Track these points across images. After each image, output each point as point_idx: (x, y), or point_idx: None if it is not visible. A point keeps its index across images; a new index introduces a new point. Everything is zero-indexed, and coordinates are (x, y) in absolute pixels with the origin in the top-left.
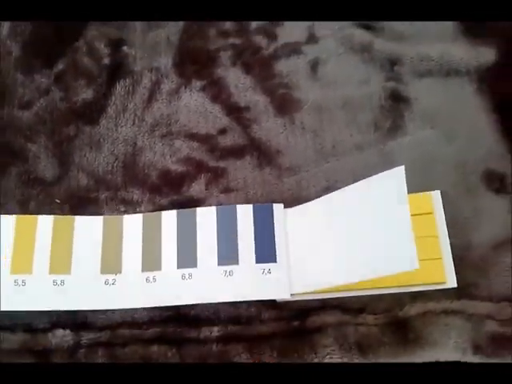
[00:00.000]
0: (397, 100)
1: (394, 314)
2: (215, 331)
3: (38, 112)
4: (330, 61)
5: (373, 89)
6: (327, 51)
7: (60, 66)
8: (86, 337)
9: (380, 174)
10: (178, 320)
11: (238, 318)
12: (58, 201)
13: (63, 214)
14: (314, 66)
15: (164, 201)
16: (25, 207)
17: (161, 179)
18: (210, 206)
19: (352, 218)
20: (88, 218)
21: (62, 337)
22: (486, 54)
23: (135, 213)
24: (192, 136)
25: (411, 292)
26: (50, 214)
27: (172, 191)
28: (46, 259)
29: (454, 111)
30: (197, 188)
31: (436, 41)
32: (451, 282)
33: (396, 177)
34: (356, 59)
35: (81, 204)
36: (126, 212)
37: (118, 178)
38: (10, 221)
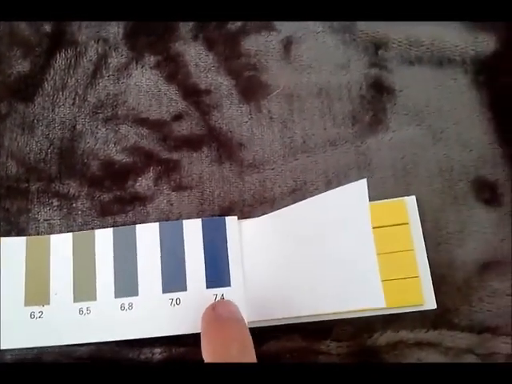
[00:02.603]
0: (380, 90)
1: (361, 341)
2: (157, 353)
3: None
4: (305, 40)
5: (353, 76)
6: (303, 29)
7: None
8: (11, 352)
9: (339, 188)
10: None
11: (184, 338)
12: None
13: None
14: (287, 45)
15: (105, 196)
16: None
17: (102, 171)
18: (159, 205)
19: (313, 237)
20: (8, 240)
21: None
22: (485, 42)
23: (70, 209)
24: (141, 121)
25: (383, 315)
26: None
27: (115, 186)
28: None
29: (445, 107)
30: (144, 183)
31: (428, 23)
32: (430, 303)
33: (357, 192)
34: (336, 40)
35: (8, 196)
36: (59, 207)
37: (53, 166)
38: None
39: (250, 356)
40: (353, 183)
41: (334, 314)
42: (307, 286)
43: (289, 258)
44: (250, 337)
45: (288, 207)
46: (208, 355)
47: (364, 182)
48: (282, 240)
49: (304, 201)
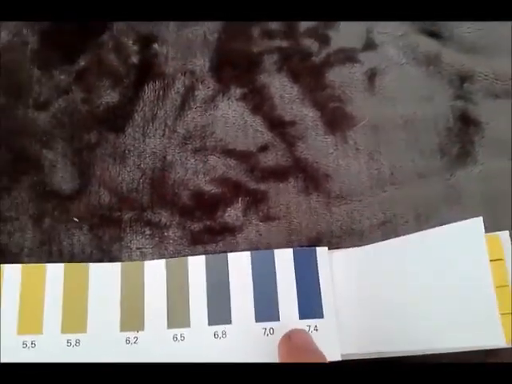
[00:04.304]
0: (466, 123)
1: None
2: None
3: (56, 114)
4: (389, 72)
5: (439, 108)
6: (387, 60)
7: (82, 63)
8: None
9: (452, 225)
10: None
11: None
12: (76, 219)
13: (82, 234)
14: (372, 76)
15: (195, 226)
16: (39, 223)
17: (193, 201)
18: (248, 235)
19: (418, 272)
20: (104, 266)
21: None
22: None
23: (161, 237)
24: (229, 152)
25: (477, 351)
26: (67, 233)
27: (205, 215)
28: (57, 315)
29: None
30: (233, 213)
31: None
32: None
33: (473, 230)
34: (420, 72)
35: (101, 224)
36: (151, 236)
37: (144, 196)
38: (15, 271)
39: None
40: (468, 220)
41: (433, 350)
42: (406, 321)
43: (385, 290)
44: None
45: (387, 241)
46: None
47: (480, 219)
48: (380, 273)
49: (410, 235)
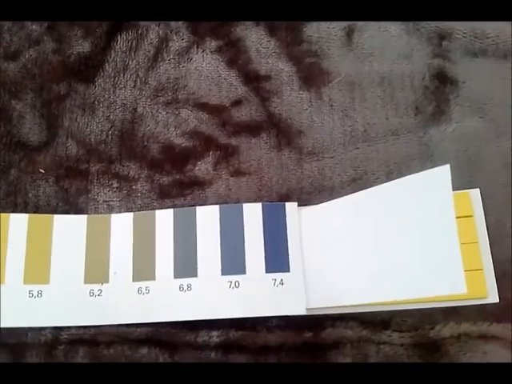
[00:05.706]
0: (443, 81)
1: (423, 332)
2: (214, 336)
3: (26, 65)
4: (368, 28)
5: (416, 66)
6: None
7: None
8: (67, 332)
9: (419, 174)
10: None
11: (241, 322)
12: (43, 170)
13: (47, 186)
14: (350, 33)
15: (164, 179)
16: (5, 175)
17: (162, 154)
18: (218, 190)
19: (384, 223)
20: (69, 217)
21: (38, 330)
22: None
23: (129, 191)
24: (201, 106)
25: (442, 308)
26: (33, 184)
27: (174, 169)
28: (20, 266)
29: (509, 100)
30: (203, 167)
31: None
32: (492, 296)
33: (440, 178)
34: (399, 29)
35: (68, 176)
36: (118, 189)
37: (113, 148)
38: None
39: None
40: (435, 168)
41: (397, 303)
42: (371, 272)
43: (352, 243)
44: None
45: (355, 194)
46: None
47: (447, 167)
48: (348, 226)
49: (378, 186)
